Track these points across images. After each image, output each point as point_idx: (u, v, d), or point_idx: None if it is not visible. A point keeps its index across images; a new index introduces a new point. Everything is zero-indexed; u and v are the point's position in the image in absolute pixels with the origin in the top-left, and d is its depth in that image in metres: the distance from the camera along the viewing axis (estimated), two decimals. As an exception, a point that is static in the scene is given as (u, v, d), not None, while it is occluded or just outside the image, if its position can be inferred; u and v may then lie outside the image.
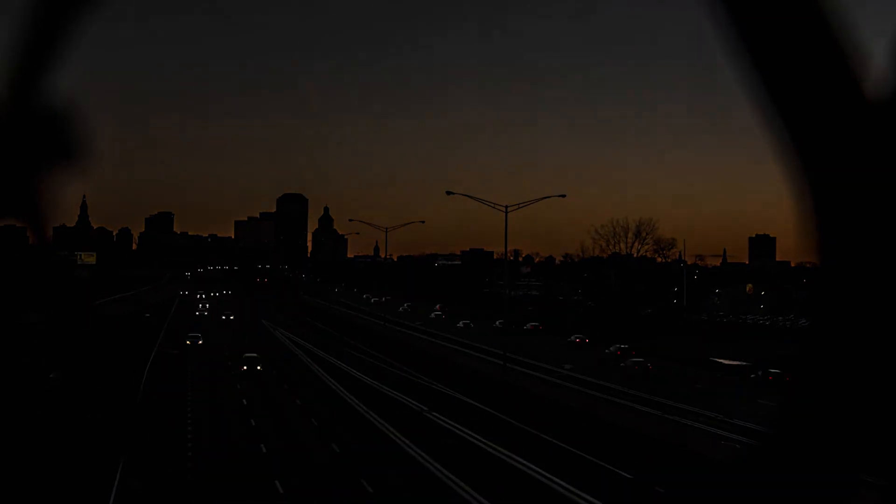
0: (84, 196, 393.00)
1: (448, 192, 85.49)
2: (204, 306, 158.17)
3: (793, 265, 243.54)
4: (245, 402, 55.39)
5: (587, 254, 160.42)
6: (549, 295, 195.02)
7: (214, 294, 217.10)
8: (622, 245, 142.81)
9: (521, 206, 78.57)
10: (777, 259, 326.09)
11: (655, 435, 45.37)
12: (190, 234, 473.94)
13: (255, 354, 73.03)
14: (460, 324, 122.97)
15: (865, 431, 1.91)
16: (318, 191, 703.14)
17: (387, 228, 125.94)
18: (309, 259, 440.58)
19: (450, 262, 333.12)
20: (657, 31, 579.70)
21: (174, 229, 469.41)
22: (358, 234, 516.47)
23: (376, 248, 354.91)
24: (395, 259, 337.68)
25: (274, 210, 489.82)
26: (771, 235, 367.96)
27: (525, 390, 62.21)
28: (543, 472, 36.30)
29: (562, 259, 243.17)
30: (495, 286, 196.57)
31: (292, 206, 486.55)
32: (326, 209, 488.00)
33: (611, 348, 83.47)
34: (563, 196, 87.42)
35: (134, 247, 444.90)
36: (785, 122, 1.92)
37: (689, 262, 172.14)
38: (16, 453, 36.04)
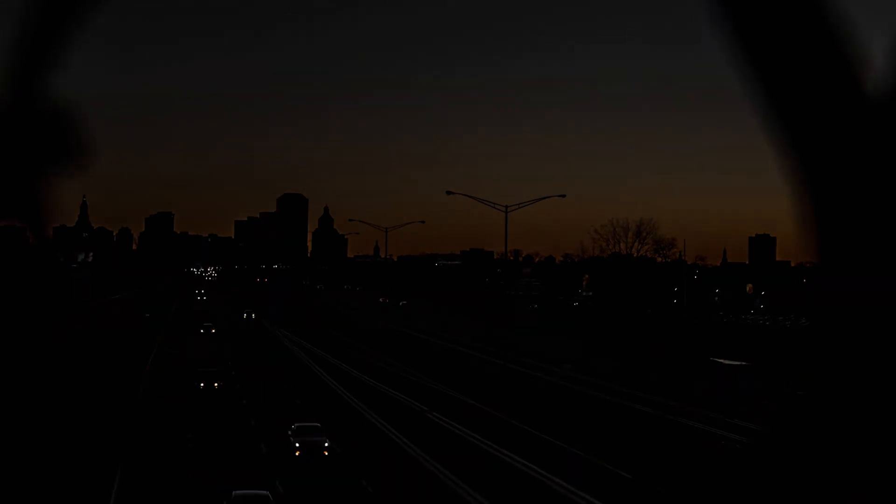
0: (84, 196, 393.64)
1: (448, 192, 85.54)
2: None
3: (793, 265, 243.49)
4: (245, 402, 55.39)
5: (587, 254, 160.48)
6: (549, 295, 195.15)
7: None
8: (622, 245, 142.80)
9: (521, 205, 78.64)
10: (777, 259, 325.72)
11: (655, 434, 45.41)
12: (190, 234, 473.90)
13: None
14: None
15: (865, 431, 1.91)
16: (318, 191, 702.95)
17: (387, 228, 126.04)
18: (309, 259, 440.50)
19: (450, 262, 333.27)
20: (658, 32, 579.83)
21: (174, 229, 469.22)
22: (358, 234, 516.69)
23: (376, 248, 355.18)
24: (395, 259, 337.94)
25: (274, 210, 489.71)
26: (771, 235, 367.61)
27: (525, 390, 62.22)
28: (544, 472, 36.31)
29: (562, 259, 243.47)
30: (496, 286, 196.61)
31: (292, 206, 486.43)
32: (326, 209, 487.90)
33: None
34: (563, 196, 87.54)
35: (134, 247, 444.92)
36: (785, 122, 1.92)
37: (689, 262, 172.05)
38: (15, 453, 36.03)
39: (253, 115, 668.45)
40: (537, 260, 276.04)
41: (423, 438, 43.53)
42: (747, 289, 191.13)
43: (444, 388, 62.54)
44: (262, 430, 45.73)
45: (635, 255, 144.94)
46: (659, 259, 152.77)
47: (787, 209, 2.00)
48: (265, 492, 31.57)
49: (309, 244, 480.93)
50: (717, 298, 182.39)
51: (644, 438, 44.34)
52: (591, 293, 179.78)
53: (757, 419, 45.97)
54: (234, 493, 31.03)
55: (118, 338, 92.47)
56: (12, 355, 65.49)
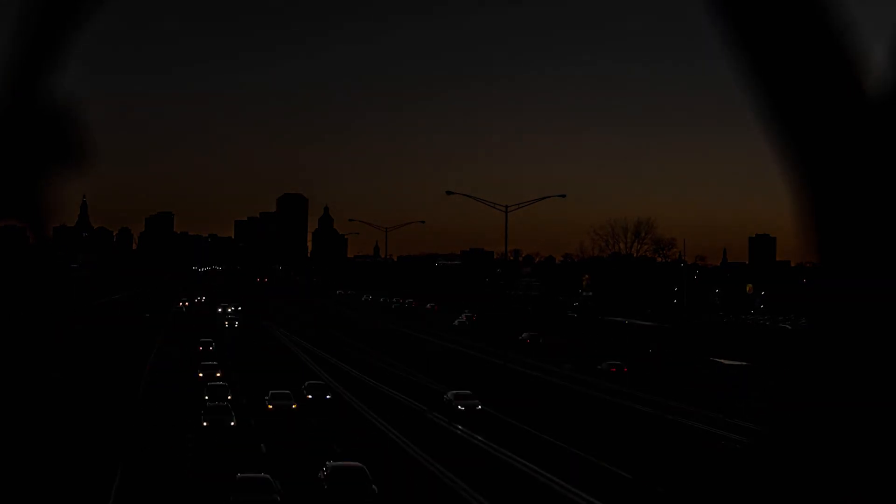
0: (84, 196, 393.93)
1: (448, 192, 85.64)
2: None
3: (793, 265, 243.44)
4: (245, 402, 55.35)
5: (587, 254, 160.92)
6: (549, 294, 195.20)
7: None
8: (621, 245, 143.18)
9: (521, 205, 78.71)
10: (777, 259, 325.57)
11: (655, 434, 45.42)
12: (190, 234, 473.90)
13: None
14: (456, 322, 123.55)
15: (863, 431, 1.91)
16: (318, 191, 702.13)
17: (387, 228, 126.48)
18: (309, 259, 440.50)
19: (450, 262, 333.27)
20: (657, 32, 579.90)
21: (174, 229, 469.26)
22: (358, 234, 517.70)
23: (376, 248, 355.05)
24: (395, 259, 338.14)
25: (274, 210, 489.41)
26: (771, 235, 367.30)
27: (525, 389, 62.22)
28: (544, 473, 36.31)
29: (562, 259, 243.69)
30: (496, 286, 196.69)
31: (292, 206, 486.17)
32: (326, 209, 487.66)
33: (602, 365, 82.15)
34: (564, 196, 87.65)
35: (134, 247, 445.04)
36: (785, 122, 1.92)
37: (688, 262, 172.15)
38: (16, 453, 36.04)
39: (253, 115, 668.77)
40: (537, 260, 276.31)
41: (424, 438, 43.52)
42: (747, 289, 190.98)
43: (444, 389, 62.49)
44: (262, 430, 45.75)
45: (635, 254, 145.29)
46: (659, 259, 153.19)
47: (787, 209, 2.00)
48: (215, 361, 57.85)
49: (309, 244, 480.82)
50: (717, 298, 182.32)
51: (644, 438, 44.33)
52: (591, 293, 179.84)
53: (757, 419, 45.95)
54: (202, 363, 55.37)
55: (118, 338, 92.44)
56: (12, 355, 65.47)
